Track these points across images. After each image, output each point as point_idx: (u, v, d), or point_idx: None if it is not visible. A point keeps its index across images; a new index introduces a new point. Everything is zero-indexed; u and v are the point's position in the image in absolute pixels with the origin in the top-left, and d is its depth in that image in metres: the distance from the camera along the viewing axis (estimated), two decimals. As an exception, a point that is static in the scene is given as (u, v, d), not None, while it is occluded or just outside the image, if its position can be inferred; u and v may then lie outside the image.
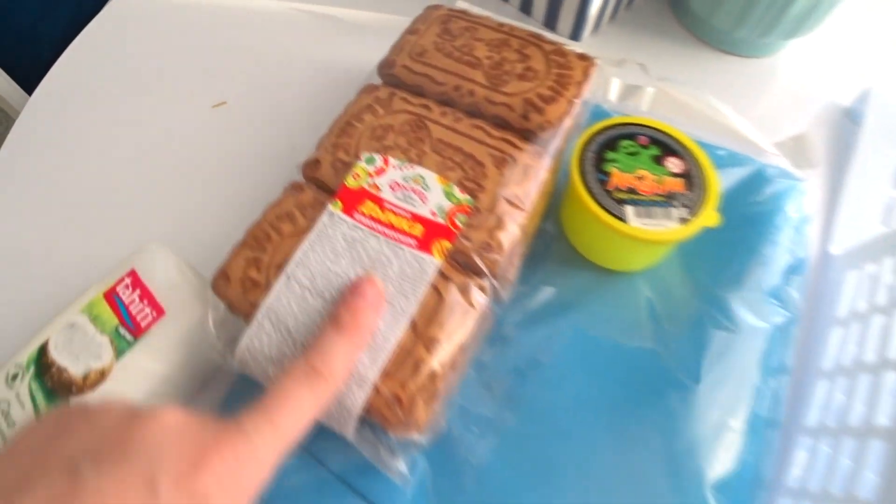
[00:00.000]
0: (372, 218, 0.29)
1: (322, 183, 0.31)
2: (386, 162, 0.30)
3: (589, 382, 0.32)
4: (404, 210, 0.29)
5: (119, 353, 0.29)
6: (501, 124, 0.32)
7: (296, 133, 0.45)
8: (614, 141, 0.33)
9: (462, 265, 0.29)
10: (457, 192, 0.29)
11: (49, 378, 0.28)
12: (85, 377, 0.28)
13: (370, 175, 0.30)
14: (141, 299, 0.30)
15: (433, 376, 0.26)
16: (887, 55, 0.54)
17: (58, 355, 0.29)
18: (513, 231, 0.29)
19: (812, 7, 0.44)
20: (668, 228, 0.30)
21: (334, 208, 0.29)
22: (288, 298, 0.27)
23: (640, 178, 0.32)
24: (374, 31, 0.51)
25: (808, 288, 0.39)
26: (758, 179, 0.39)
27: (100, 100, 0.48)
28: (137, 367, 0.29)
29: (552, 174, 0.33)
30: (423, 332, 0.26)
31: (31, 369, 0.29)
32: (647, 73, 0.43)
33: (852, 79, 0.50)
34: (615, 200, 0.31)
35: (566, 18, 0.48)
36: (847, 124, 0.48)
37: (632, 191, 0.31)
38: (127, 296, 0.30)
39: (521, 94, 0.32)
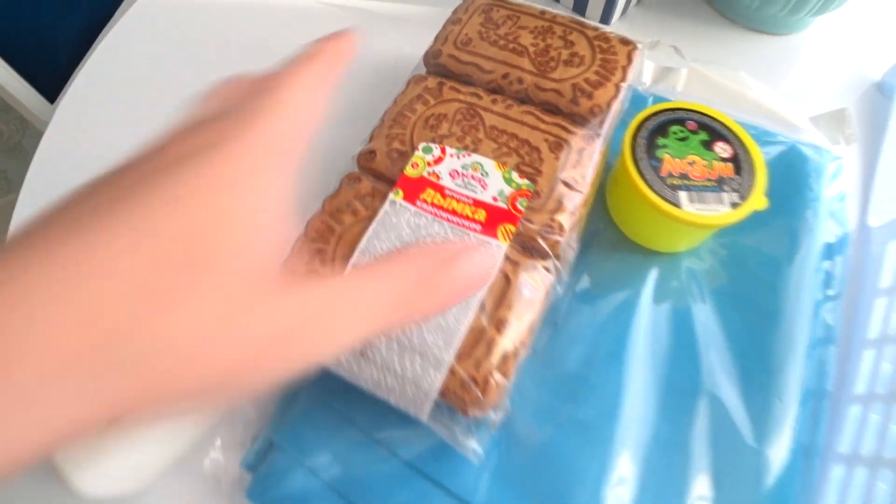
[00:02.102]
0: (434, 205, 0.29)
1: (378, 173, 0.32)
2: (443, 151, 0.31)
3: (641, 363, 0.33)
4: (466, 196, 0.30)
5: None
6: (552, 110, 0.34)
7: (339, 129, 0.45)
8: (665, 126, 0.34)
9: (525, 248, 0.30)
10: (516, 177, 0.30)
11: None
12: None
13: (429, 164, 0.31)
14: None
15: (505, 357, 0.27)
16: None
17: None
18: (572, 212, 0.30)
19: (842, -19, 0.45)
20: (720, 213, 0.31)
21: (396, 196, 0.30)
22: None
23: (691, 163, 0.33)
24: (407, 23, 0.51)
25: (849, 262, 0.40)
26: (794, 157, 0.40)
27: (127, 110, 0.48)
28: None
29: (602, 158, 0.34)
30: (493, 313, 0.27)
31: None
32: (681, 54, 0.44)
33: (882, 53, 0.51)
34: (669, 187, 0.32)
35: (595, 3, 0.49)
36: (879, 98, 0.49)
37: (684, 176, 0.32)
38: None
39: (569, 80, 0.34)
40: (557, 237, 0.29)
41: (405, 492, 0.29)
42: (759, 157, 0.33)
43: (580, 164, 0.31)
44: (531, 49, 0.35)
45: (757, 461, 0.31)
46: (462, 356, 0.26)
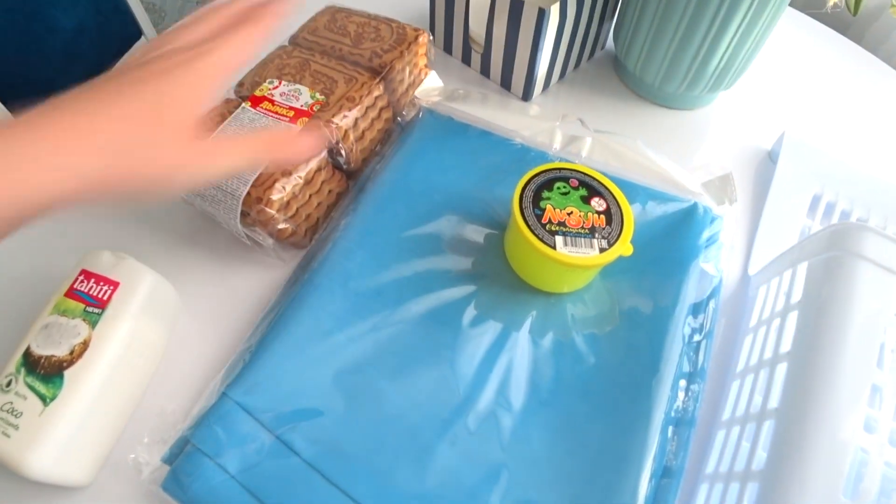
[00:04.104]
0: (267, 110, 0.45)
1: (244, 97, 0.47)
2: (280, 82, 0.47)
3: (512, 387, 0.38)
4: (286, 105, 0.45)
5: (93, 324, 0.34)
6: (356, 63, 0.49)
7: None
8: (551, 182, 0.40)
9: None
10: (317, 94, 0.46)
11: (41, 368, 0.33)
12: (71, 352, 0.33)
13: (269, 89, 0.46)
14: (97, 283, 0.36)
15: (282, 193, 0.41)
16: (800, 102, 0.62)
17: (42, 350, 0.33)
18: (348, 115, 0.45)
19: (727, 63, 0.52)
20: (589, 255, 0.37)
21: (245, 104, 0.45)
22: None
23: (569, 213, 0.38)
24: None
25: (728, 305, 0.45)
26: (677, 215, 0.46)
27: None
28: (111, 328, 0.35)
29: (388, 105, 0.51)
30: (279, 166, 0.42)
31: (22, 371, 0.33)
32: (585, 125, 0.50)
33: (775, 125, 0.58)
34: (548, 231, 0.37)
35: (518, 81, 0.56)
36: (769, 164, 0.56)
37: (562, 224, 0.38)
38: (85, 286, 0.36)
39: (370, 48, 0.50)
40: (335, 125, 0.45)
41: (302, 487, 0.33)
42: (629, 211, 0.39)
43: (361, 90, 0.47)
44: (352, 33, 0.52)
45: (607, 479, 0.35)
46: (256, 184, 0.40)
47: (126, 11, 0.90)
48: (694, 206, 0.46)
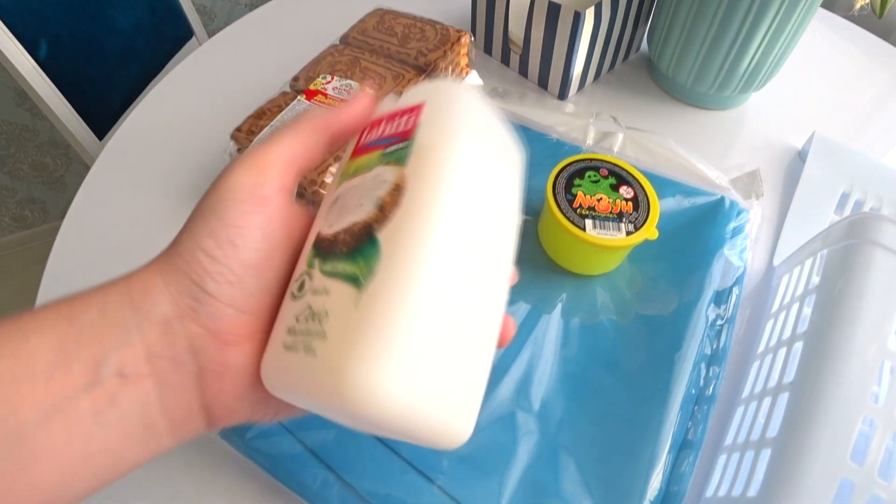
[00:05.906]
0: (320, 102, 0.50)
1: (299, 90, 0.53)
2: (332, 77, 0.52)
3: (539, 353, 0.41)
4: (339, 98, 0.50)
5: (402, 162, 0.22)
6: (402, 62, 0.54)
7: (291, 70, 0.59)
8: (582, 171, 0.43)
9: None
10: (367, 90, 0.48)
11: (340, 245, 0.21)
12: (380, 207, 0.21)
13: (323, 84, 0.52)
14: (390, 121, 0.24)
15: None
16: (833, 103, 0.63)
17: (329, 230, 0.22)
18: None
19: (758, 65, 0.54)
20: (616, 238, 0.40)
21: (301, 97, 0.51)
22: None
23: (598, 200, 0.41)
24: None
25: (754, 294, 0.47)
26: (704, 207, 0.48)
27: (171, 151, 0.58)
28: (434, 157, 0.22)
29: None
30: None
31: (315, 263, 0.21)
32: (618, 123, 0.53)
33: (807, 125, 0.59)
34: (578, 215, 0.40)
35: (554, 81, 0.59)
36: (799, 163, 0.57)
37: (591, 209, 0.41)
38: (375, 134, 0.24)
39: (416, 48, 0.55)
40: None
41: (345, 436, 0.37)
42: (655, 199, 0.42)
43: (410, 86, 0.50)
44: (399, 33, 0.56)
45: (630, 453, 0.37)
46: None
47: (179, 13, 0.96)
48: (720, 200, 0.48)
